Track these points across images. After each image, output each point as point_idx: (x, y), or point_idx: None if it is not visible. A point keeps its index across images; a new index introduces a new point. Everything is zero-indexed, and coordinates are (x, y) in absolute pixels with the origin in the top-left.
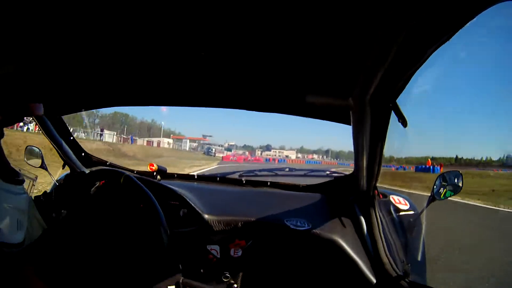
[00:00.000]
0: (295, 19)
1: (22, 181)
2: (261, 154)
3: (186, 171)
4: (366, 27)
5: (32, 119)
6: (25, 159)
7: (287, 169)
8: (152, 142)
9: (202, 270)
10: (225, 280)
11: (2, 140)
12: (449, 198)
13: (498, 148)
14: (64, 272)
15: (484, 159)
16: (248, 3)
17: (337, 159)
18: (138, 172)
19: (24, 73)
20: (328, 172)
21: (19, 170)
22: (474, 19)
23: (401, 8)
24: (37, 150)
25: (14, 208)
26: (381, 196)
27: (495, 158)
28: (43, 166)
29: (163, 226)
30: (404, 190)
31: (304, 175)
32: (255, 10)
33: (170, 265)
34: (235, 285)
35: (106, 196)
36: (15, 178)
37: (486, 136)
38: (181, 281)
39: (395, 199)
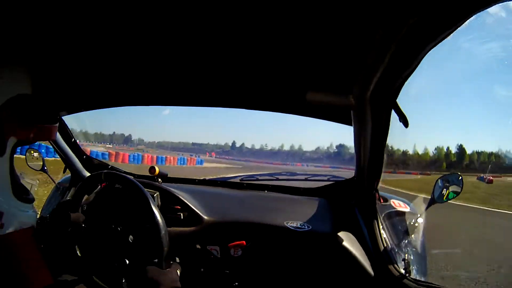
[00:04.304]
0: (295, 18)
1: (32, 200)
2: None
3: None
4: (365, 25)
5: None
6: (27, 162)
7: (288, 174)
8: None
9: (202, 270)
10: (226, 279)
11: None
12: None
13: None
14: (67, 265)
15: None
16: (248, 2)
17: None
18: (140, 176)
19: (24, 74)
20: (328, 177)
21: (21, 174)
22: (473, 17)
23: (400, 5)
24: (38, 153)
25: (21, 224)
26: (381, 200)
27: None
28: (44, 169)
29: (160, 225)
30: None
31: (305, 180)
32: (255, 9)
33: (170, 266)
34: (236, 283)
35: (107, 199)
36: (25, 196)
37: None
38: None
39: (395, 202)
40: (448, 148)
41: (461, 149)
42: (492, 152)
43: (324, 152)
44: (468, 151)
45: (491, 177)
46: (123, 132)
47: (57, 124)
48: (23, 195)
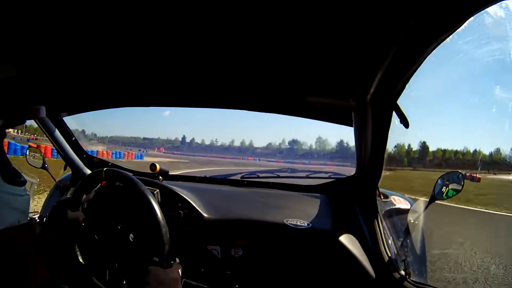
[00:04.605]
0: (296, 20)
1: (24, 182)
2: None
3: None
4: (366, 27)
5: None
6: (27, 160)
7: (289, 171)
8: None
9: (202, 270)
10: (226, 279)
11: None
12: None
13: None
14: (67, 266)
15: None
16: (248, 3)
17: None
18: (140, 173)
19: (25, 74)
20: (329, 174)
21: (21, 171)
22: (472, 18)
23: (400, 7)
24: (38, 151)
25: (15, 210)
26: (382, 197)
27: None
28: (44, 167)
29: (161, 223)
30: None
31: (306, 177)
32: (255, 11)
33: (171, 265)
34: (236, 285)
35: (107, 196)
36: (17, 179)
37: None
38: (182, 282)
39: (396, 199)
40: (409, 145)
41: (423, 146)
42: (457, 150)
43: (276, 148)
44: (432, 148)
45: (478, 175)
46: (77, 127)
47: (43, 106)
48: (14, 177)
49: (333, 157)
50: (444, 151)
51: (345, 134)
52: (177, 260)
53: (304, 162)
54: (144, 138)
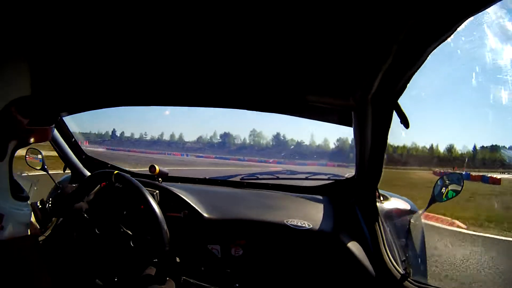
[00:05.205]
0: (296, 19)
1: (27, 198)
2: None
3: None
4: (366, 27)
5: None
6: (27, 161)
7: (288, 172)
8: None
9: (203, 269)
10: (227, 278)
11: None
12: None
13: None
14: (69, 270)
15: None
16: (249, 3)
17: None
18: (140, 175)
19: (24, 75)
20: (329, 175)
21: (22, 173)
22: (472, 17)
23: (400, 7)
24: (38, 152)
25: (19, 223)
26: (381, 198)
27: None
28: (44, 168)
29: (163, 226)
30: None
31: (306, 178)
32: (256, 10)
33: (171, 265)
34: (237, 284)
35: (107, 198)
36: (20, 195)
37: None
38: (182, 281)
39: (396, 200)
40: None
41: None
42: (420, 146)
43: (207, 142)
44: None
45: (496, 176)
46: None
47: (53, 125)
48: (18, 193)
49: (270, 152)
50: (396, 147)
51: (279, 127)
52: (178, 259)
53: (239, 158)
54: (81, 133)
